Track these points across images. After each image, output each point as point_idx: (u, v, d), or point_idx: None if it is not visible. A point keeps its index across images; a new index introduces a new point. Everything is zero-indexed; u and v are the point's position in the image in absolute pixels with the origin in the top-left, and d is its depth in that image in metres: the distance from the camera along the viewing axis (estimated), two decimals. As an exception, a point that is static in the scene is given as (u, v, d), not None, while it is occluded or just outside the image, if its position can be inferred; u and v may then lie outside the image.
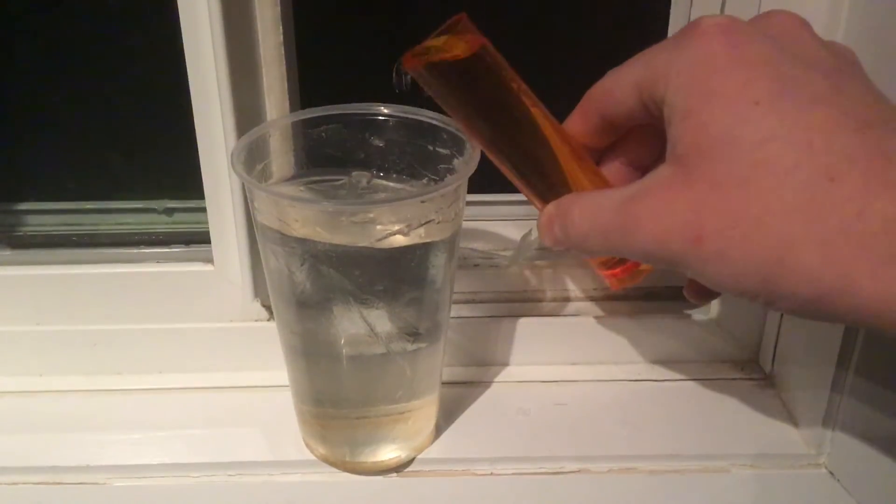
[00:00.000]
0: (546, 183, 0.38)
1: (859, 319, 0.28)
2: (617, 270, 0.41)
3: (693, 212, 0.29)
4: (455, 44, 0.35)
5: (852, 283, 0.27)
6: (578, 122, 0.37)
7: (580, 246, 0.35)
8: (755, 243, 0.28)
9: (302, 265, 0.39)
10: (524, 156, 0.38)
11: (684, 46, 0.31)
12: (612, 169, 0.39)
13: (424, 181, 0.43)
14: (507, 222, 0.59)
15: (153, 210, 0.61)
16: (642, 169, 0.38)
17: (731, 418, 0.49)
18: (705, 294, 0.38)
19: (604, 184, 0.38)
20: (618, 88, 0.34)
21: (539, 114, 0.37)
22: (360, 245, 0.38)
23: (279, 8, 0.44)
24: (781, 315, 0.49)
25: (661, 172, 0.31)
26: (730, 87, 0.29)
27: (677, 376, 0.52)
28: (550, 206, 0.36)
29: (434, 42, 0.35)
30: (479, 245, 0.58)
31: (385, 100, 0.42)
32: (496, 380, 0.52)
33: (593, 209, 0.34)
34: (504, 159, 0.38)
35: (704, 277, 0.30)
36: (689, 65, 0.30)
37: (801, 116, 0.28)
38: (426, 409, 0.46)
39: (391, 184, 0.44)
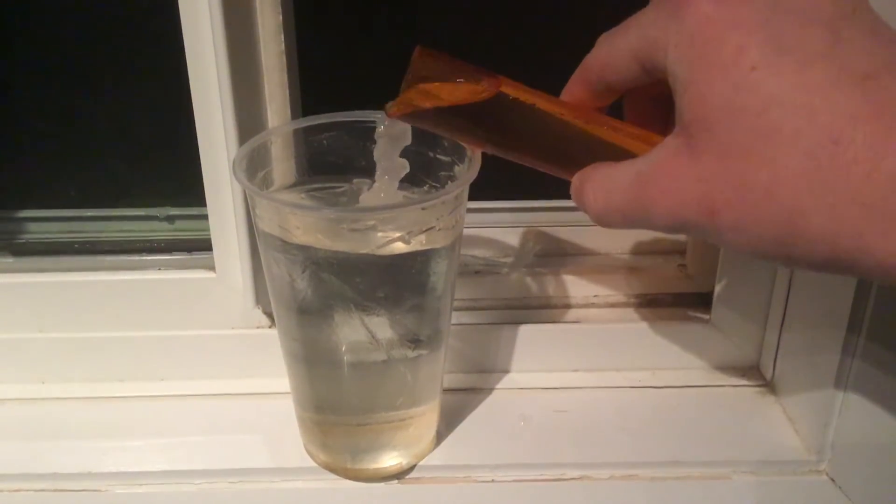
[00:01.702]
0: (563, 163, 0.37)
1: (874, 276, 0.28)
2: None
3: (704, 185, 0.29)
4: (459, 90, 0.35)
5: (865, 245, 0.26)
6: (577, 91, 0.36)
7: (602, 223, 0.34)
8: (766, 213, 0.28)
9: (303, 272, 0.39)
10: (539, 151, 0.37)
11: (676, 13, 0.30)
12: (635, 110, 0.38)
13: (425, 188, 0.43)
14: (507, 229, 0.59)
15: (155, 217, 0.61)
16: (661, 105, 0.36)
17: (732, 425, 0.49)
18: None
19: (628, 137, 0.36)
20: (615, 57, 0.34)
21: (542, 104, 0.36)
22: (362, 252, 0.38)
23: (281, 16, 0.44)
24: (782, 322, 0.49)
25: (669, 144, 0.31)
26: (725, 55, 0.28)
27: (678, 383, 0.52)
28: (573, 182, 0.36)
29: (429, 88, 0.35)
30: (479, 252, 0.58)
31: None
32: (497, 386, 0.52)
33: (606, 189, 0.33)
34: (518, 158, 0.38)
35: (723, 244, 0.31)
36: (684, 34, 0.30)
37: (799, 78, 0.27)
38: (427, 416, 0.46)
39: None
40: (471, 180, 0.38)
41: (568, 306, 0.56)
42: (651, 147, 0.32)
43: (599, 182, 0.34)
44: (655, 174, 0.31)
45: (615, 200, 0.33)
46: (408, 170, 0.41)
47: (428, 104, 0.35)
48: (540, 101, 0.36)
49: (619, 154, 0.35)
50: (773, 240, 0.28)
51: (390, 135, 0.40)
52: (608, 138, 0.36)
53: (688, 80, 0.30)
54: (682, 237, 0.59)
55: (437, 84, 0.35)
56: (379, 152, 0.40)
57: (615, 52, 0.34)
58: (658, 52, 0.31)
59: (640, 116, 0.37)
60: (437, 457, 0.47)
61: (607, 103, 0.37)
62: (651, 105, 0.37)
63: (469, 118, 0.36)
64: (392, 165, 0.41)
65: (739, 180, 0.28)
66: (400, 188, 0.42)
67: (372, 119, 0.42)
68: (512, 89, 0.35)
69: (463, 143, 0.40)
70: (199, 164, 0.49)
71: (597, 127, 0.36)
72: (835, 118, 0.27)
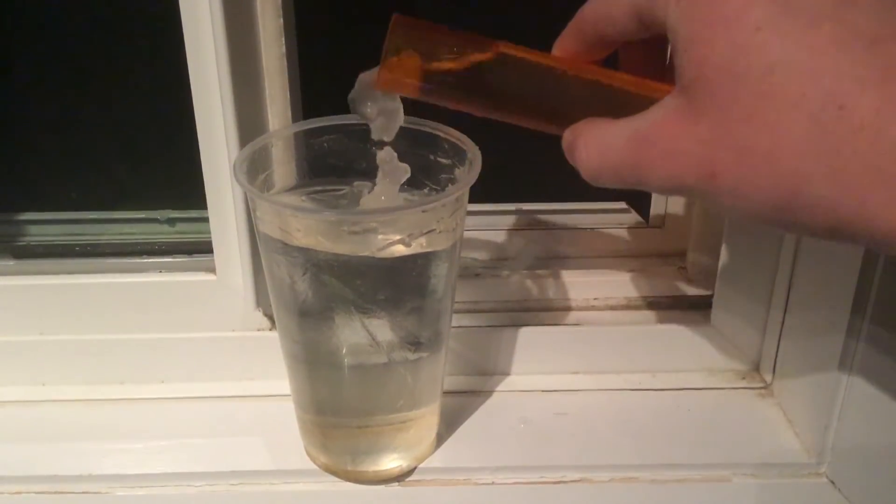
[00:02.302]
0: (557, 118, 0.36)
1: (876, 245, 0.27)
2: None
3: (703, 148, 0.28)
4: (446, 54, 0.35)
5: (868, 214, 0.26)
6: (569, 44, 0.35)
7: (594, 181, 0.33)
8: (767, 178, 0.27)
9: (304, 274, 0.39)
10: (534, 107, 0.36)
11: None
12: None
13: (425, 191, 0.43)
14: (508, 232, 0.59)
15: (156, 220, 0.61)
16: (655, 60, 0.36)
17: (732, 428, 0.49)
18: None
19: (628, 85, 0.35)
20: (613, 9, 0.33)
21: (537, 58, 0.35)
22: (362, 255, 0.38)
23: (281, 19, 0.44)
24: (782, 324, 0.49)
25: (668, 104, 0.30)
26: (730, 13, 0.28)
27: (678, 385, 0.52)
28: (564, 136, 0.35)
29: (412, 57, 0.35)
30: (480, 254, 0.58)
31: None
32: (497, 389, 0.52)
33: (600, 146, 0.32)
34: (510, 117, 0.37)
35: (722, 209, 0.30)
36: None
37: (806, 39, 0.26)
38: (427, 419, 0.46)
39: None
40: (471, 183, 0.38)
41: (568, 309, 0.56)
42: (652, 95, 0.32)
43: (594, 138, 0.33)
44: (653, 134, 0.30)
45: (610, 159, 0.32)
46: (409, 174, 0.41)
47: (413, 71, 0.35)
48: (534, 56, 0.35)
49: (618, 102, 0.34)
50: (774, 205, 0.28)
51: (383, 111, 0.39)
52: (607, 83, 0.35)
53: (689, 39, 0.29)
54: (682, 240, 0.59)
55: (422, 50, 0.35)
56: (377, 134, 0.40)
57: (613, 4, 0.33)
58: (659, 6, 0.30)
59: (633, 72, 0.36)
60: (438, 459, 0.47)
61: (599, 57, 0.36)
62: (645, 60, 0.36)
63: (462, 80, 0.35)
64: (393, 168, 0.41)
65: (740, 144, 0.28)
66: (400, 191, 0.42)
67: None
68: (509, 48, 0.35)
69: (451, 107, 0.38)
70: (200, 167, 0.49)
71: (594, 75, 0.35)
72: (841, 82, 0.26)
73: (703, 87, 0.28)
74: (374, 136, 0.40)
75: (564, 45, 0.36)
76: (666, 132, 0.30)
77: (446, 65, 0.35)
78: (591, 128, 0.33)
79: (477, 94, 0.36)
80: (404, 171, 0.41)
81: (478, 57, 0.35)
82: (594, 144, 0.33)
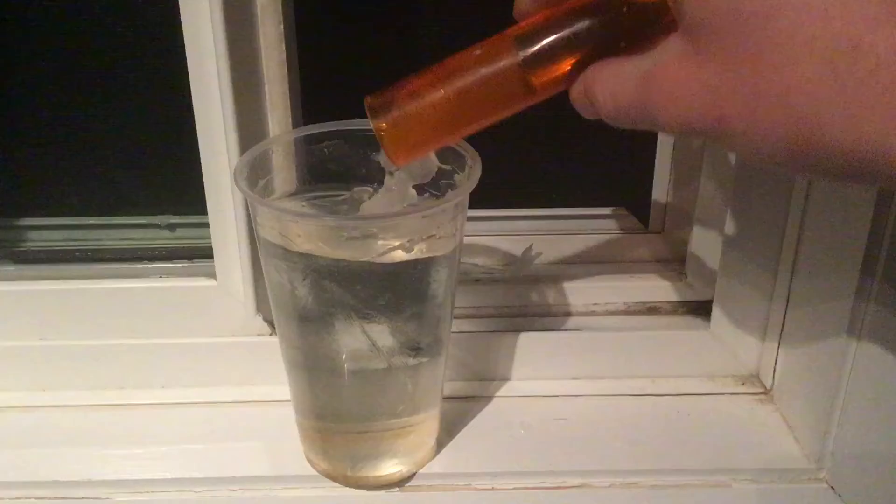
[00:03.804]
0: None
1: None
2: None
3: (710, 93, 0.28)
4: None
5: (887, 154, 0.25)
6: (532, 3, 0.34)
7: (612, 124, 0.32)
8: (779, 122, 0.26)
9: (304, 280, 0.39)
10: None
11: None
12: None
13: (426, 196, 0.43)
14: (507, 237, 0.59)
15: (156, 225, 0.61)
16: None
17: (731, 433, 0.49)
18: None
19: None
20: None
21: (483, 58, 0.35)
22: (362, 260, 0.38)
23: (282, 25, 0.44)
24: (782, 330, 0.49)
25: (672, 47, 0.29)
26: None
27: (678, 391, 0.52)
28: (575, 90, 0.34)
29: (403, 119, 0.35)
30: (480, 260, 0.59)
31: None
32: (497, 394, 0.52)
33: (612, 90, 0.32)
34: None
35: (733, 151, 0.29)
36: None
37: None
38: (427, 424, 0.46)
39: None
40: (471, 189, 0.38)
41: (568, 314, 0.56)
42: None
43: (604, 82, 0.32)
44: (659, 77, 0.29)
45: (622, 102, 0.31)
46: (433, 175, 0.41)
47: (412, 130, 0.35)
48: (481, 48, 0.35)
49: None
50: (788, 149, 0.27)
51: (412, 175, 0.40)
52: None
53: None
54: (681, 246, 0.59)
55: (407, 111, 0.35)
56: (420, 180, 0.41)
57: None
58: None
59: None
60: (438, 464, 0.47)
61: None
62: None
63: (453, 104, 0.35)
64: (415, 165, 0.41)
65: (749, 89, 0.27)
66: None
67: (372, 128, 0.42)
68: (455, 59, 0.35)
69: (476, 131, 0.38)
70: (201, 173, 0.49)
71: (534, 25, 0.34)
72: (853, 23, 0.25)
73: (706, 30, 0.28)
74: (418, 180, 0.41)
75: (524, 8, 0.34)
76: (671, 75, 0.29)
77: (430, 100, 0.35)
78: (604, 71, 0.32)
79: (470, 109, 0.36)
80: (429, 171, 0.41)
81: (444, 81, 0.35)
82: (607, 88, 0.32)
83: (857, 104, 0.25)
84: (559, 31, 0.33)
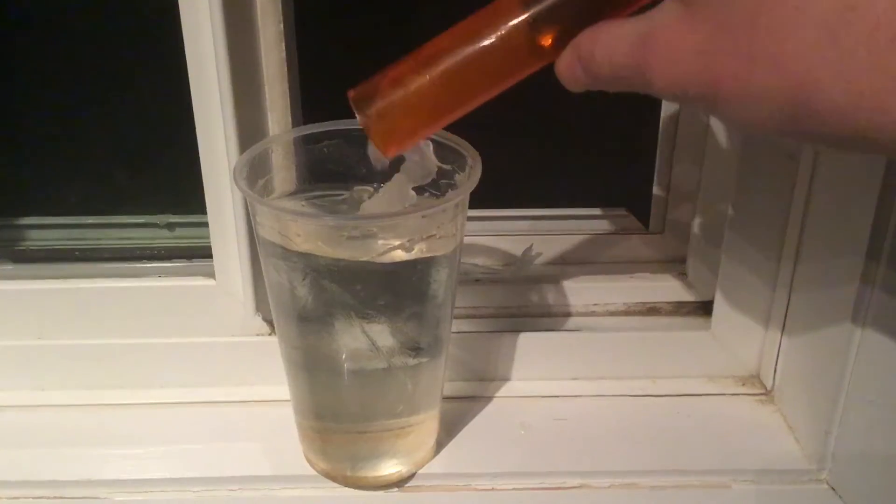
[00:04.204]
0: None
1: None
2: None
3: (705, 57, 0.27)
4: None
5: (887, 118, 0.24)
6: None
7: (609, 86, 0.32)
8: (775, 86, 0.26)
9: (303, 280, 0.39)
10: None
11: None
12: None
13: (426, 196, 0.43)
14: (507, 237, 0.59)
15: (155, 225, 0.61)
16: None
17: (732, 434, 0.49)
18: None
19: None
20: None
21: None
22: (362, 260, 0.38)
23: (282, 24, 0.44)
24: (783, 330, 0.49)
25: (668, 9, 0.29)
26: None
27: (678, 392, 0.52)
28: (567, 53, 0.33)
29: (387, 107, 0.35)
30: (480, 260, 0.58)
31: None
32: (497, 395, 0.52)
33: (609, 49, 0.31)
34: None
35: (728, 120, 0.28)
36: None
37: None
38: (427, 424, 0.46)
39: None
40: (471, 188, 0.38)
41: (568, 314, 0.56)
42: None
43: (603, 42, 0.31)
44: (653, 40, 0.29)
45: (618, 64, 0.31)
46: (433, 176, 0.41)
47: (398, 118, 0.35)
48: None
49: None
50: (784, 115, 0.26)
51: (412, 175, 0.40)
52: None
53: None
54: (682, 246, 0.59)
55: (389, 97, 0.35)
56: (420, 180, 0.41)
57: None
58: None
59: None
60: (437, 465, 0.47)
61: None
62: None
63: (440, 89, 0.35)
64: (418, 166, 0.41)
65: (744, 52, 0.26)
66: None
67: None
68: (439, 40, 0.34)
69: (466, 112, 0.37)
70: (200, 172, 0.49)
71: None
72: None
73: None
74: (417, 181, 0.41)
75: None
76: (665, 38, 0.29)
77: (414, 86, 0.34)
78: (599, 32, 0.32)
79: (457, 90, 0.35)
80: (429, 172, 0.41)
81: (429, 64, 0.34)
82: (605, 48, 0.31)
83: (855, 66, 0.24)
84: None
